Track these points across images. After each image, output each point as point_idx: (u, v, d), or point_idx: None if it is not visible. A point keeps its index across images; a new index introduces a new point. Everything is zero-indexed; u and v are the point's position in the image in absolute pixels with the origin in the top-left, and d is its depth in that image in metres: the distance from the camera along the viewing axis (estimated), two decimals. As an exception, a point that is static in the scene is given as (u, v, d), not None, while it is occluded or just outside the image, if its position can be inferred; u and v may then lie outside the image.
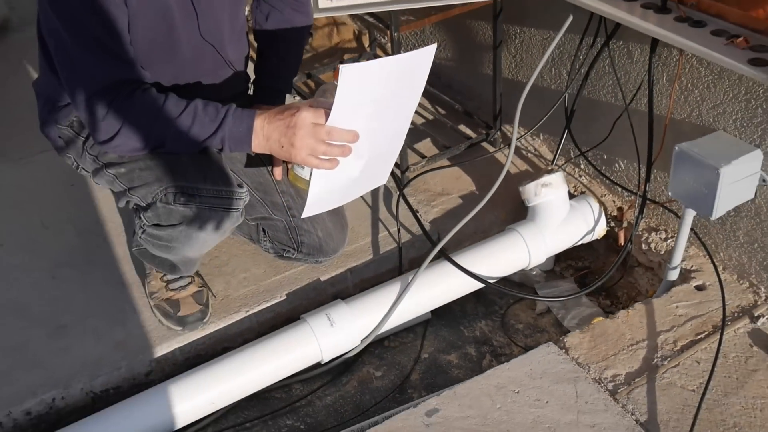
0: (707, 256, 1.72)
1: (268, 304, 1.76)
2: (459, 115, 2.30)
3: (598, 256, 2.02)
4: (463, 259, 1.76)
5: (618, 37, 1.77)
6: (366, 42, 2.71)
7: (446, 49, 2.41)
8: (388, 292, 1.70)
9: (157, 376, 1.65)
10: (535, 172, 1.94)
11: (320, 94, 1.39)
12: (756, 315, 1.62)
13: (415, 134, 2.24)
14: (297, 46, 1.75)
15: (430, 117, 2.34)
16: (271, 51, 1.72)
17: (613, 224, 1.93)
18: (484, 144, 2.18)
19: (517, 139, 1.95)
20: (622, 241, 1.90)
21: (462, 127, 2.25)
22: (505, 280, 1.89)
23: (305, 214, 1.44)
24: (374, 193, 2.04)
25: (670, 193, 1.63)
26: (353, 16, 2.76)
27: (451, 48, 2.39)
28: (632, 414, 1.45)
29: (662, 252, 1.82)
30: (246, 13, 1.79)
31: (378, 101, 1.32)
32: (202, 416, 1.58)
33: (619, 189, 1.94)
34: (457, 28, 2.32)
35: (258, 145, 1.39)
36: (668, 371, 1.53)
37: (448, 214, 1.98)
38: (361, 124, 1.34)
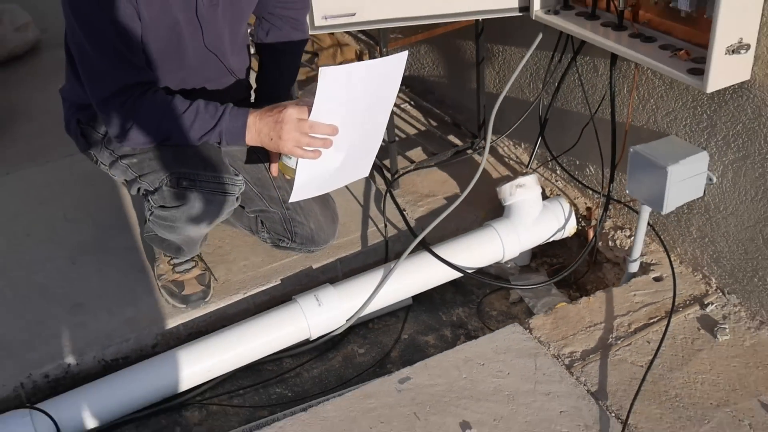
0: (666, 251, 1.89)
1: (264, 288, 1.95)
2: (448, 126, 2.49)
3: (571, 253, 2.18)
4: (442, 250, 1.93)
5: (584, 52, 1.95)
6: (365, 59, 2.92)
7: (438, 66, 2.62)
8: (373, 278, 1.88)
9: (162, 348, 1.84)
10: (513, 175, 2.12)
11: (305, 95, 1.59)
12: (706, 303, 1.77)
13: (407, 143, 2.44)
14: (294, 59, 1.96)
15: (422, 128, 2.54)
16: (271, 63, 1.93)
17: (583, 223, 2.10)
18: (470, 152, 2.37)
19: (491, 143, 2.13)
20: (590, 238, 2.07)
21: (451, 137, 2.45)
22: (482, 273, 2.06)
23: (292, 198, 1.64)
24: (366, 192, 2.24)
25: (627, 191, 1.80)
26: (355, 38, 2.98)
27: (443, 65, 2.60)
28: (584, 385, 1.61)
29: (626, 248, 1.99)
30: (249, 30, 2.00)
31: (354, 100, 1.52)
32: (202, 382, 1.76)
33: (590, 191, 2.11)
34: (448, 47, 2.52)
35: (251, 139, 1.59)
36: (621, 349, 1.68)
37: (432, 213, 2.17)
38: (339, 119, 1.53)
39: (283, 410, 1.71)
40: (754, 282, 1.71)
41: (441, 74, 2.63)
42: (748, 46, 1.50)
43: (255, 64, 2.00)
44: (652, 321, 1.75)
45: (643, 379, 1.58)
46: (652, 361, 1.62)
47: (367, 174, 1.73)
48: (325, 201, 2.00)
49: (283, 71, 1.95)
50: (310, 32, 1.96)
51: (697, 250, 1.84)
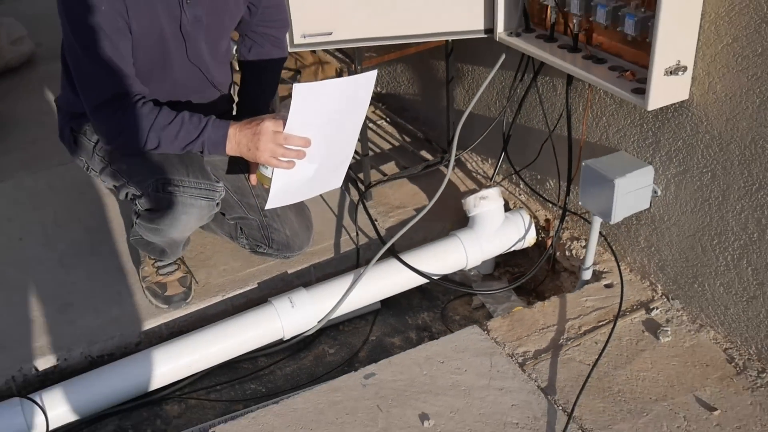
0: (616, 260, 2.02)
1: (241, 291, 2.08)
2: (420, 141, 2.63)
3: (532, 263, 2.31)
4: (409, 258, 2.07)
5: (544, 73, 2.10)
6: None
7: (412, 84, 2.76)
8: (343, 283, 2.01)
9: (145, 346, 1.95)
10: (478, 188, 2.26)
11: (281, 109, 1.73)
12: (651, 307, 1.91)
13: (380, 157, 2.58)
14: (274, 75, 2.09)
15: (396, 143, 2.68)
16: (252, 78, 2.07)
17: (542, 234, 2.24)
18: (441, 166, 2.51)
19: (459, 157, 2.27)
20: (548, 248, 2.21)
21: (423, 152, 2.59)
22: (447, 279, 2.19)
23: (268, 205, 1.77)
24: (340, 203, 2.37)
25: (580, 203, 1.94)
26: (335, 56, 3.12)
27: (417, 84, 2.74)
28: (535, 381, 1.74)
29: (581, 257, 2.12)
30: (233, 48, 2.14)
31: (326, 115, 1.66)
32: (181, 378, 1.88)
33: (549, 204, 2.25)
34: (421, 67, 2.67)
35: (231, 149, 1.73)
36: (570, 349, 1.82)
37: (402, 223, 2.29)
38: (312, 132, 1.67)
39: (257, 404, 1.83)
40: (695, 288, 1.85)
41: (415, 92, 2.77)
42: (686, 68, 1.65)
43: (237, 78, 2.14)
44: (600, 324, 1.88)
45: (589, 376, 1.71)
46: (597, 360, 1.75)
47: (340, 185, 1.87)
48: (300, 209, 2.13)
49: (264, 86, 2.08)
50: (290, 50, 2.10)
51: (644, 259, 1.98)
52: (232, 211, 2.09)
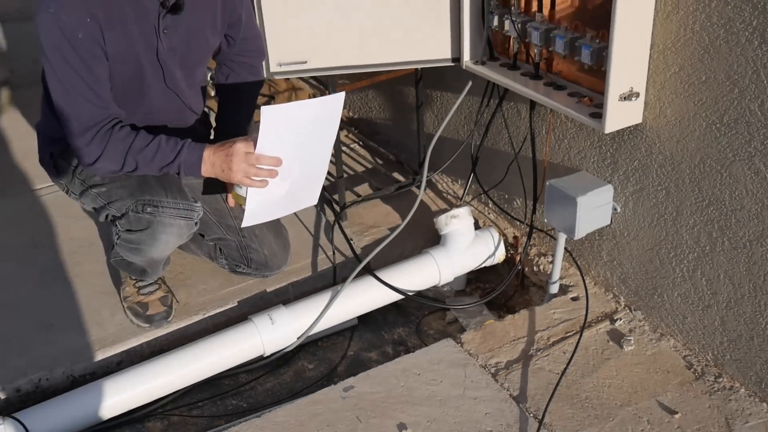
0: (581, 274, 2.13)
1: (221, 309, 2.13)
2: (393, 163, 2.73)
3: (502, 279, 2.40)
4: (385, 275, 2.15)
5: (508, 98, 2.22)
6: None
7: (384, 110, 2.87)
8: (321, 300, 2.08)
9: (126, 364, 1.99)
10: (449, 208, 2.36)
11: (252, 131, 1.80)
12: (615, 318, 2.02)
13: (355, 179, 2.67)
14: (250, 101, 2.17)
15: (369, 165, 2.77)
16: (230, 103, 2.14)
17: (511, 251, 2.34)
18: (413, 188, 2.61)
19: (430, 179, 2.37)
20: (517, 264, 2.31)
21: (395, 174, 2.68)
22: (421, 296, 2.27)
23: (244, 224, 1.83)
24: (316, 223, 2.45)
25: (545, 220, 2.05)
26: (308, 83, 3.22)
27: (388, 109, 2.85)
28: (507, 390, 1.82)
29: (548, 272, 2.22)
30: (210, 74, 2.21)
31: (296, 135, 1.73)
32: (164, 395, 1.92)
33: (517, 222, 2.36)
34: (392, 93, 2.78)
35: (206, 171, 1.79)
36: (540, 359, 1.91)
37: (377, 242, 2.38)
38: (283, 152, 1.74)
39: (239, 419, 1.88)
40: (655, 299, 1.96)
41: (386, 117, 2.88)
42: (638, 94, 1.77)
43: (214, 105, 2.21)
44: (568, 335, 1.98)
45: (558, 384, 1.80)
46: (565, 369, 1.84)
47: (315, 202, 1.94)
48: (278, 230, 2.20)
49: (240, 111, 2.16)
50: (267, 77, 2.18)
51: (607, 272, 2.09)
52: (211, 232, 2.16)
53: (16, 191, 2.66)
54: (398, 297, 2.15)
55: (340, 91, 2.33)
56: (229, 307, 2.14)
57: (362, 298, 2.12)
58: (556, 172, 2.12)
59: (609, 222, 2.01)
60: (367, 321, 2.23)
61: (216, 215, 2.12)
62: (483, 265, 2.29)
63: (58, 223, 2.48)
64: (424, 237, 2.39)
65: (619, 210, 1.98)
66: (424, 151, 2.54)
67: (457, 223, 2.23)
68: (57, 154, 2.00)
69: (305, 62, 2.16)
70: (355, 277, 2.10)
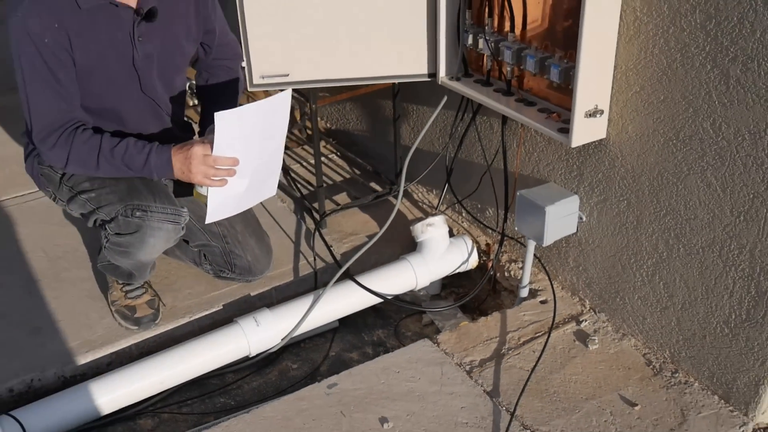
0: (549, 279, 2.27)
1: (207, 312, 2.22)
2: (370, 174, 2.85)
3: (475, 284, 2.53)
4: (364, 279, 2.25)
5: (482, 113, 2.35)
6: (297, 115, 3.26)
7: (362, 122, 2.98)
8: (304, 303, 2.18)
9: (116, 366, 2.06)
10: (425, 216, 2.48)
11: (208, 133, 1.89)
12: (581, 320, 2.15)
13: (334, 188, 2.78)
14: (232, 100, 2.25)
15: (347, 175, 2.89)
16: (212, 105, 2.21)
17: (484, 257, 2.47)
18: (390, 197, 2.73)
19: (406, 188, 2.49)
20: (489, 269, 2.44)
21: (372, 184, 2.80)
22: (399, 299, 2.39)
23: (208, 220, 1.93)
24: (297, 231, 2.54)
25: (516, 228, 2.18)
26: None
27: (365, 121, 2.97)
28: (481, 386, 1.94)
29: (519, 277, 2.36)
30: (189, 83, 2.29)
31: (250, 134, 1.83)
32: (153, 394, 1.99)
33: (489, 230, 2.49)
34: (369, 106, 2.90)
35: (174, 172, 1.88)
36: (511, 357, 2.03)
37: (356, 249, 2.48)
38: (239, 152, 1.84)
39: (228, 416, 1.96)
40: (617, 302, 2.11)
41: (364, 129, 2.99)
42: (602, 111, 1.91)
43: (194, 115, 2.30)
44: (537, 335, 2.11)
45: (528, 380, 1.93)
46: (535, 366, 1.97)
47: (273, 193, 2.05)
48: (260, 236, 2.30)
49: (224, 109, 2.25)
50: (249, 89, 2.28)
51: (574, 277, 2.23)
52: (196, 238, 2.24)
53: (-2, 197, 2.71)
54: (377, 300, 2.26)
55: (321, 104, 2.46)
56: (214, 310, 2.22)
57: (343, 302, 2.22)
58: (526, 183, 2.25)
59: (575, 230, 2.15)
60: (348, 323, 2.34)
61: (200, 222, 2.20)
62: (457, 271, 2.41)
63: (42, 229, 2.54)
64: (401, 244, 2.51)
65: (584, 219, 2.12)
66: (400, 162, 2.66)
67: (433, 231, 2.35)
68: (43, 162, 2.07)
69: (287, 75, 2.25)
70: (335, 282, 2.20)
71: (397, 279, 2.30)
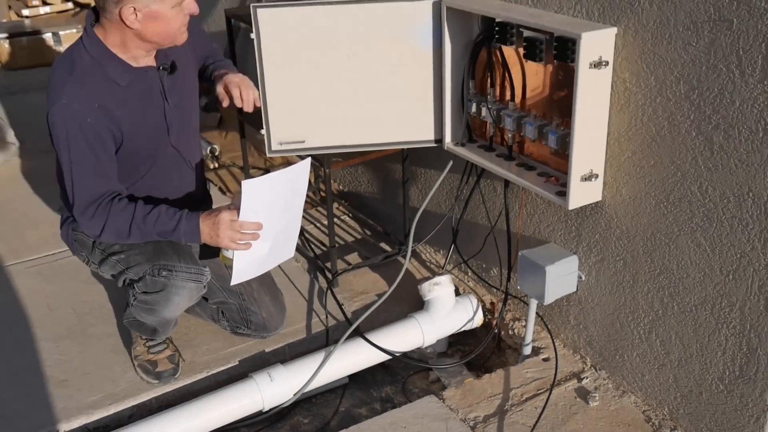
0: (551, 337, 2.34)
1: (224, 368, 2.31)
2: (380, 234, 2.97)
3: (480, 342, 2.61)
4: (373, 337, 2.34)
5: (485, 176, 2.47)
6: (312, 178, 3.42)
7: (372, 185, 3.12)
8: (315, 359, 2.27)
9: (136, 418, 2.15)
10: (432, 276, 2.58)
11: (235, 199, 2.03)
12: (582, 377, 2.22)
13: (345, 248, 2.90)
14: (218, 57, 2.39)
15: (358, 236, 3.01)
16: (211, 64, 2.37)
17: (489, 316, 2.56)
18: (399, 257, 2.84)
19: (414, 249, 2.59)
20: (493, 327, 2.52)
21: (382, 244, 2.92)
22: (407, 357, 2.47)
23: (233, 282, 2.04)
24: (310, 289, 2.66)
25: (519, 287, 2.28)
26: (302, 158, 3.49)
27: (376, 184, 3.11)
28: (485, 441, 2.01)
29: (522, 335, 2.44)
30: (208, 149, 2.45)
31: (273, 201, 1.96)
32: (169, 446, 2.08)
33: (494, 289, 2.58)
34: (380, 169, 3.04)
35: (201, 238, 2.00)
36: (514, 414, 2.10)
37: (366, 307, 2.58)
38: (263, 217, 1.97)
39: (241, 468, 2.05)
40: (617, 359, 2.18)
41: (374, 191, 3.13)
42: (597, 175, 2.02)
43: (215, 177, 2.45)
44: (539, 392, 2.18)
45: (530, 435, 2.00)
46: (537, 422, 2.04)
47: (292, 255, 2.17)
48: (275, 294, 2.41)
49: (217, 61, 2.38)
50: (268, 155, 2.42)
51: (575, 335, 2.31)
52: (214, 296, 2.36)
53: (29, 257, 2.85)
54: (386, 357, 2.34)
55: (335, 168, 2.60)
56: (231, 365, 2.32)
57: (353, 359, 2.31)
58: (528, 244, 2.35)
59: (575, 289, 2.24)
60: (357, 379, 2.42)
61: (219, 280, 2.33)
62: (463, 329, 2.50)
63: (71, 287, 2.67)
64: (409, 302, 2.60)
65: (583, 278, 2.21)
66: (409, 224, 2.79)
67: (439, 290, 2.45)
68: (77, 229, 2.20)
69: (303, 141, 2.40)
70: (346, 339, 2.29)
71: (405, 336, 2.39)
